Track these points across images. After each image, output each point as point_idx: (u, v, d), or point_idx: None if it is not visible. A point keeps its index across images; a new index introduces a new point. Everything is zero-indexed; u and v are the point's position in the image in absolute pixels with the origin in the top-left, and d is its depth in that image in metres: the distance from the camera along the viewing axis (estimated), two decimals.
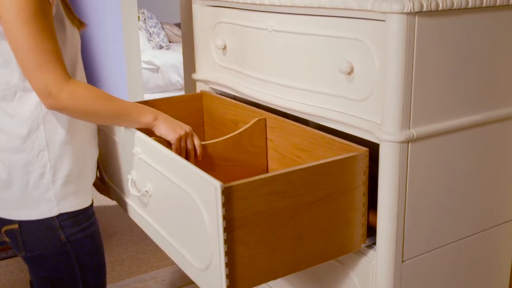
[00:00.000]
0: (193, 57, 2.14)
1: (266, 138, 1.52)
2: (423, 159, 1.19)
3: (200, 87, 1.86)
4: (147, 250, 2.81)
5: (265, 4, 1.42)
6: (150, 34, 5.41)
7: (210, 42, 1.77)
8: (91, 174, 1.40)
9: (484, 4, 1.16)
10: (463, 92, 1.22)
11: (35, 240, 1.33)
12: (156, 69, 4.99)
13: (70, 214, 1.33)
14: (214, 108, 1.74)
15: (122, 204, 1.54)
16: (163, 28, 5.58)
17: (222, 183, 1.00)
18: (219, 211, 1.01)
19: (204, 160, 1.41)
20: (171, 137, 1.35)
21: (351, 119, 1.25)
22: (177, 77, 5.05)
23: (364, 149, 1.19)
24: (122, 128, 1.39)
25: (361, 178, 1.20)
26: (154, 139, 1.32)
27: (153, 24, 5.44)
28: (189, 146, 1.38)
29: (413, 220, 1.22)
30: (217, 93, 1.79)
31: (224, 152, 1.45)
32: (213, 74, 1.78)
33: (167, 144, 1.35)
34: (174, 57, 5.14)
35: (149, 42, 5.37)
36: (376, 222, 1.21)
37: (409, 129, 1.14)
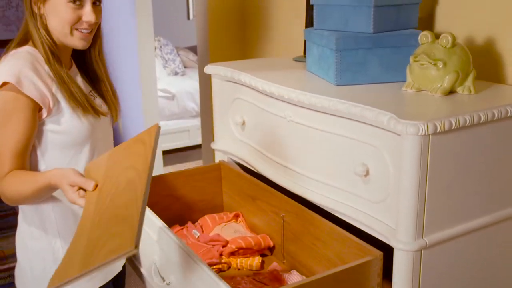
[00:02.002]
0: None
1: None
2: (435, 264, 1.24)
3: (218, 156, 1.91)
4: None
5: (283, 96, 1.48)
6: (166, 61, 5.48)
7: (229, 115, 1.82)
8: None
9: (496, 117, 1.21)
10: (475, 197, 1.27)
11: None
12: (172, 97, 5.06)
13: None
14: (233, 180, 1.80)
15: (141, 278, 1.60)
16: (178, 55, 5.65)
17: None
18: None
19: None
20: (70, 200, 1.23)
21: (367, 218, 1.30)
22: (192, 104, 5.12)
23: (378, 253, 1.24)
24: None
25: (375, 280, 1.25)
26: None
27: (169, 51, 5.51)
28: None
29: None
30: (235, 162, 1.85)
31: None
32: (232, 145, 1.83)
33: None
34: (189, 84, 5.20)
35: (164, 69, 5.44)
36: None
37: (422, 238, 1.19)
